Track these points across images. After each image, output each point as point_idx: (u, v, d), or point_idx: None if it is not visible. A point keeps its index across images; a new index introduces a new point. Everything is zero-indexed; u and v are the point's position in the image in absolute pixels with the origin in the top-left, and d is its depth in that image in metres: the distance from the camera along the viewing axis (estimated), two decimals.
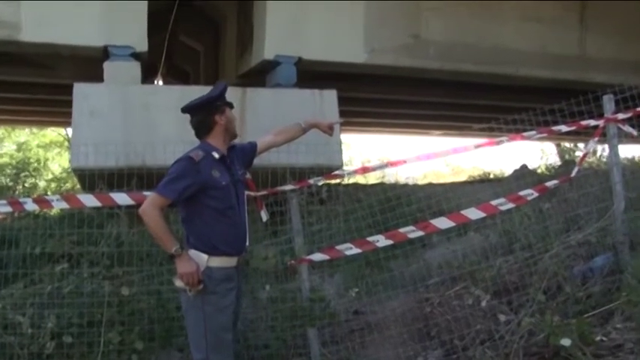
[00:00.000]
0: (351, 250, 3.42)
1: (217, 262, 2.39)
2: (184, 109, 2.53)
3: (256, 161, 5.31)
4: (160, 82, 8.94)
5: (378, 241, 3.38)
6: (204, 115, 2.51)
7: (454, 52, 7.19)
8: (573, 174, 3.49)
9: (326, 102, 6.12)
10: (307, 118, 2.94)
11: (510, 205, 3.33)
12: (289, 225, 3.82)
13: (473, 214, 3.34)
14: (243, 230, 2.52)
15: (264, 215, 3.66)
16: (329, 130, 2.90)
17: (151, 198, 2.34)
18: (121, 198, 3.28)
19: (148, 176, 3.85)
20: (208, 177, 2.41)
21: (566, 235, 3.71)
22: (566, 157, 8.61)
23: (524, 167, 7.24)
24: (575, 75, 7.68)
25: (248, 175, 3.55)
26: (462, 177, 14.26)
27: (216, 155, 2.47)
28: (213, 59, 8.80)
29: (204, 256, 2.36)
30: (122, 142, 4.92)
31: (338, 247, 3.48)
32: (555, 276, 3.34)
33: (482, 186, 6.79)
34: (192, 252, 2.34)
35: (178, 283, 2.33)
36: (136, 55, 5.71)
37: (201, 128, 2.51)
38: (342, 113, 6.40)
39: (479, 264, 3.78)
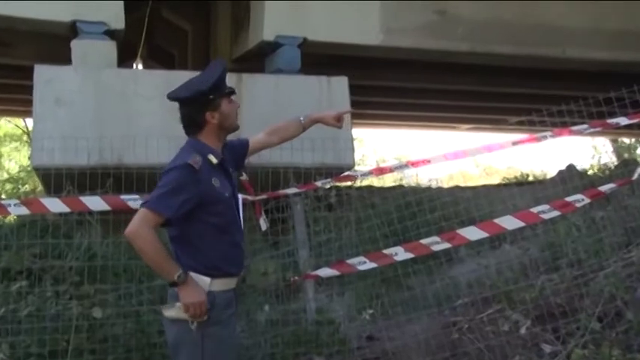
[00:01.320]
0: (364, 264, 3.41)
1: (220, 284, 2.29)
2: (172, 96, 2.41)
3: (254, 160, 5.31)
4: (140, 66, 8.95)
5: (396, 254, 3.37)
6: (193, 111, 2.38)
7: (487, 32, 7.17)
8: (635, 176, 3.42)
9: (335, 91, 6.11)
10: (309, 112, 2.85)
11: (555, 213, 3.30)
12: (292, 235, 3.81)
13: (509, 223, 3.31)
14: (243, 244, 2.46)
15: (263, 223, 3.65)
16: (337, 122, 2.83)
17: (141, 216, 2.17)
18: (94, 202, 3.27)
19: (126, 176, 3.85)
20: (209, 188, 2.31)
21: (625, 250, 3.66)
22: (625, 155, 8.49)
23: (571, 168, 7.10)
24: (636, 56, 7.47)
25: (245, 177, 3.53)
26: (496, 179, 14.22)
27: (213, 160, 2.37)
28: (203, 40, 8.82)
29: (207, 280, 2.25)
30: (95, 136, 4.91)
31: (349, 261, 3.46)
32: (613, 299, 3.28)
33: (520, 190, 6.72)
34: (191, 275, 2.24)
35: (174, 313, 2.20)
36: (110, 33, 5.68)
37: (189, 125, 2.41)
38: (354, 104, 6.40)
39: (516, 283, 3.75)
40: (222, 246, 2.33)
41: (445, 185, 8.69)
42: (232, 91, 2.48)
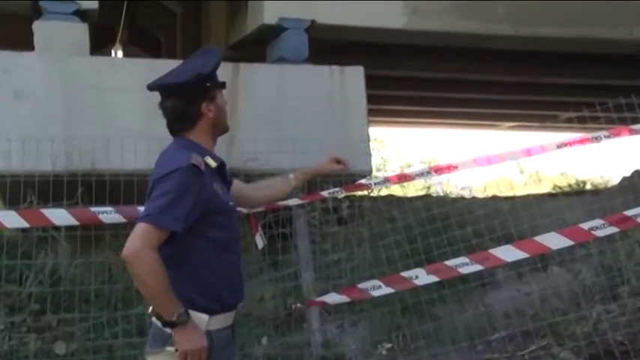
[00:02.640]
0: (378, 289, 3.40)
1: (219, 322, 2.20)
2: (153, 86, 2.31)
3: (250, 165, 5.35)
4: (119, 53, 9.01)
5: (416, 277, 3.36)
6: (187, 101, 2.27)
7: (534, 11, 7.12)
8: None
9: (348, 83, 6.11)
10: (302, 168, 2.76)
11: (612, 230, 3.24)
12: (294, 254, 3.81)
13: (553, 241, 3.27)
14: (242, 268, 2.38)
15: (260, 240, 3.64)
16: (337, 164, 2.78)
17: (141, 233, 2.06)
18: (58, 216, 3.26)
19: (98, 185, 3.87)
20: (213, 195, 2.23)
21: None
22: None
23: (636, 175, 6.89)
24: None
25: None
26: (544, 188, 14.09)
27: (212, 163, 2.28)
28: (194, 23, 8.88)
29: (204, 317, 2.15)
30: (62, 137, 4.88)
31: (361, 285, 3.45)
32: None
33: (572, 201, 6.68)
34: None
35: (162, 359, 2.11)
36: (81, 14, 5.66)
37: (179, 119, 2.28)
38: (371, 98, 6.39)
39: (565, 314, 3.71)
40: (224, 269, 2.24)
41: (480, 195, 8.64)
42: (224, 84, 2.42)
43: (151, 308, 2.17)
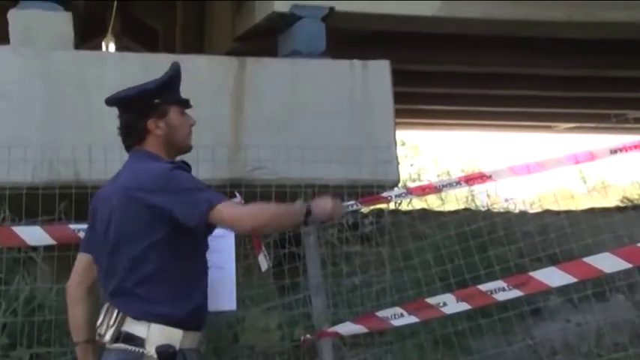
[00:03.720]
0: (401, 318, 3.41)
1: (191, 340, 2.45)
2: (109, 100, 2.61)
3: (257, 175, 5.38)
4: (111, 46, 9.11)
5: (444, 304, 3.37)
6: (133, 116, 2.57)
7: None
8: None
9: (372, 80, 6.12)
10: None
11: None
12: (303, 277, 3.84)
13: (607, 263, 3.26)
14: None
15: (264, 261, 3.70)
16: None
17: (227, 210, 2.40)
18: (35, 235, 3.32)
19: (79, 198, 3.94)
20: None
21: None
22: None
23: None
24: None
25: (238, 197, 3.61)
26: (611, 199, 13.86)
27: None
28: (196, 12, 8.97)
29: (178, 332, 2.40)
30: (42, 144, 4.93)
31: (381, 314, 3.47)
32: None
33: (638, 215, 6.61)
34: (156, 327, 2.38)
35: None
36: (65, 2, 5.70)
37: (129, 134, 2.58)
38: (399, 96, 6.40)
39: (625, 349, 3.69)
40: (200, 282, 2.52)
41: (533, 208, 8.56)
42: (187, 103, 2.66)
43: (110, 335, 2.39)
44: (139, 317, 2.40)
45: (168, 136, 2.58)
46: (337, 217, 2.63)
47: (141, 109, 2.55)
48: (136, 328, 2.39)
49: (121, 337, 2.39)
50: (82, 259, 2.62)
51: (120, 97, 2.58)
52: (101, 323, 2.47)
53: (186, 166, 2.57)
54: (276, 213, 2.46)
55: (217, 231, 2.70)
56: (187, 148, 2.66)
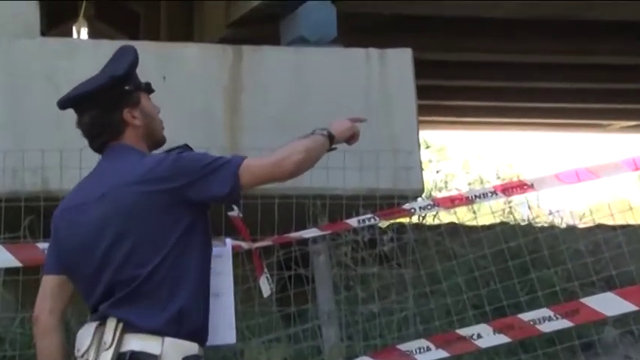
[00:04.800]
0: (427, 352, 3.42)
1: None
2: (63, 101, 2.63)
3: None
4: (83, 33, 9.15)
5: (479, 335, 3.37)
6: (102, 112, 2.60)
7: None
8: None
9: (392, 71, 6.13)
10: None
11: None
12: (312, 303, 3.86)
13: None
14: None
15: (267, 286, 3.72)
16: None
17: (255, 163, 2.54)
18: None
19: (48, 212, 3.95)
20: None
21: None
22: None
23: None
24: None
25: (236, 211, 3.64)
26: None
27: None
28: None
29: (192, 346, 2.49)
30: (3, 148, 4.95)
31: (403, 347, 3.48)
32: None
33: None
34: (170, 341, 2.43)
35: None
36: None
37: (100, 133, 2.61)
38: (423, 91, 6.41)
39: None
40: (206, 290, 2.61)
41: (582, 222, 8.54)
42: (150, 87, 2.71)
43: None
44: (154, 329, 2.43)
45: (147, 126, 2.65)
46: (358, 137, 2.73)
47: (112, 101, 2.59)
48: (146, 343, 2.42)
49: (127, 358, 2.40)
50: (51, 282, 2.63)
51: (79, 93, 2.60)
52: (88, 349, 2.46)
53: (189, 149, 2.64)
54: (308, 145, 2.56)
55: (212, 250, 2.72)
56: (163, 139, 2.73)
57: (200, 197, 2.49)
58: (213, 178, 2.48)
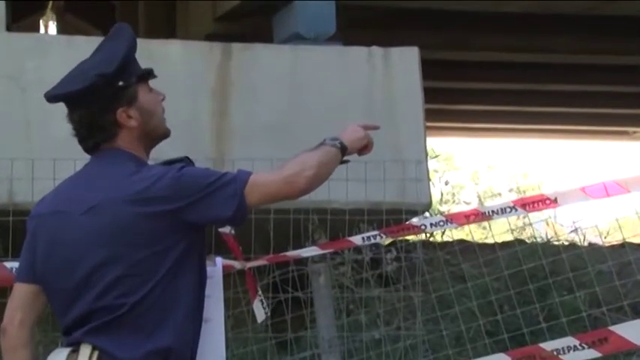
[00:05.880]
0: None
1: None
2: (50, 97, 2.56)
3: None
4: (51, 27, 9.14)
5: None
6: (92, 112, 2.55)
7: None
8: None
9: (396, 72, 6.16)
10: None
11: None
12: (312, 330, 3.87)
13: None
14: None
15: (261, 310, 3.73)
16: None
17: (268, 177, 2.53)
18: None
19: (17, 227, 3.96)
20: None
21: None
22: None
23: None
24: None
25: (227, 228, 3.65)
26: None
27: None
28: None
29: None
30: None
31: None
32: None
33: None
34: None
35: None
36: None
37: (90, 135, 2.55)
38: (431, 93, 6.43)
39: None
40: (198, 319, 2.61)
41: (606, 240, 8.56)
42: (150, 73, 2.63)
43: None
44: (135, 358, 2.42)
45: (145, 125, 2.57)
46: (371, 147, 2.69)
47: (104, 100, 2.52)
48: None
49: None
50: (23, 291, 2.59)
51: (66, 92, 2.54)
52: None
53: (190, 162, 2.60)
54: (320, 159, 2.52)
55: None
56: (166, 133, 2.66)
57: (202, 219, 2.47)
58: (217, 199, 2.44)
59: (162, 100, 2.64)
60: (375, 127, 2.86)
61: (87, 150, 2.58)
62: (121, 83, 2.52)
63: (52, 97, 2.56)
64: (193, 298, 2.54)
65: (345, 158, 2.62)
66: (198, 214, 2.44)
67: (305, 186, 2.46)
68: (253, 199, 2.42)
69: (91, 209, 2.48)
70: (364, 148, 2.69)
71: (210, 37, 6.78)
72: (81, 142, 2.56)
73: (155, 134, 2.61)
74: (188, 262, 2.52)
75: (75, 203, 2.52)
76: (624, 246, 6.10)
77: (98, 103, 2.51)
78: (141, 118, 2.54)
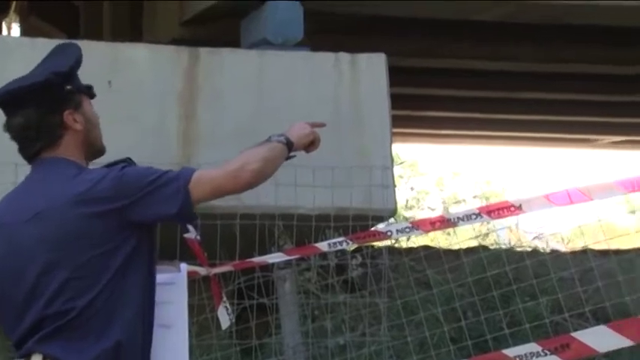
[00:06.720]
0: None
1: None
2: (1, 92, 2.56)
3: (218, 203, 5.35)
4: (14, 29, 9.05)
5: None
6: (40, 112, 2.54)
7: None
8: None
9: (364, 78, 6.15)
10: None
11: None
12: (278, 336, 3.86)
13: None
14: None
15: (226, 315, 3.71)
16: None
17: (210, 175, 2.54)
18: None
19: None
20: None
21: None
22: None
23: None
24: None
25: (192, 232, 3.64)
26: None
27: None
28: None
29: None
30: None
31: None
32: None
33: None
34: None
35: None
36: None
37: (35, 138, 2.54)
38: (398, 100, 6.44)
39: None
40: (148, 325, 2.59)
41: (567, 247, 8.63)
42: (92, 91, 2.67)
43: None
44: None
45: (87, 133, 2.60)
46: (318, 144, 2.73)
47: (52, 100, 2.53)
48: None
49: None
50: None
51: (13, 88, 2.55)
52: None
53: (132, 163, 2.59)
54: (265, 154, 2.56)
55: (162, 277, 2.71)
56: (102, 150, 2.68)
57: (146, 218, 2.47)
58: (160, 196, 2.45)
59: (98, 118, 2.67)
60: (321, 125, 2.89)
61: (29, 157, 2.57)
62: (69, 87, 2.55)
63: (1, 94, 2.56)
64: (143, 298, 2.53)
65: (292, 154, 2.66)
66: (142, 212, 2.44)
67: (250, 179, 2.51)
68: (198, 194, 2.45)
69: (35, 216, 2.48)
70: (311, 145, 2.73)
71: (176, 42, 6.73)
72: (23, 148, 2.55)
73: (95, 147, 2.63)
74: (136, 262, 2.50)
75: (18, 214, 2.51)
76: (586, 252, 6.17)
77: (47, 103, 2.52)
78: (85, 124, 2.58)
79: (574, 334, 3.40)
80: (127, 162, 2.57)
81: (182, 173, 2.48)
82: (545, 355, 3.36)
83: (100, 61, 5.33)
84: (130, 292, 2.49)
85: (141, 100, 5.54)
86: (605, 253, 6.05)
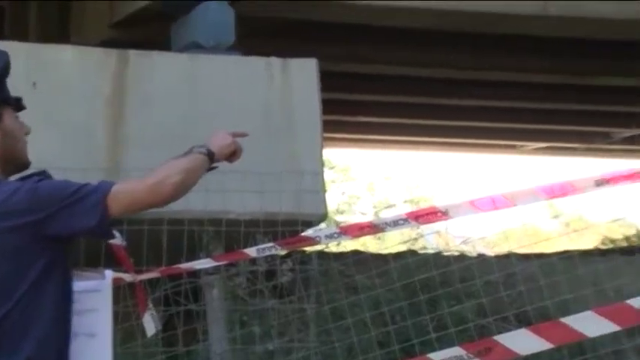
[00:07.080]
0: None
1: None
2: None
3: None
4: None
5: None
6: None
7: None
8: None
9: (295, 83, 6.16)
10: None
11: None
12: (204, 343, 3.83)
13: (590, 324, 3.34)
14: None
15: (151, 323, 3.67)
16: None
17: (126, 187, 2.48)
18: None
19: None
20: None
21: None
22: None
23: None
24: None
25: (118, 238, 3.60)
26: (590, 240, 14.33)
27: None
28: None
29: None
30: None
31: None
32: None
33: (633, 262, 6.86)
34: None
35: None
36: None
37: None
38: (330, 106, 6.45)
39: None
40: (67, 331, 2.53)
41: (493, 251, 8.74)
42: (21, 103, 2.61)
43: None
44: None
45: (7, 147, 2.53)
46: (240, 154, 2.72)
47: None
48: None
49: None
50: None
51: None
52: None
53: (48, 176, 2.53)
54: (186, 166, 2.53)
55: (86, 285, 2.67)
56: (27, 164, 2.61)
57: (63, 232, 2.40)
58: (77, 210, 2.39)
59: (27, 133, 2.60)
60: (243, 135, 2.88)
61: None
62: None
63: None
64: (58, 311, 2.47)
65: (214, 165, 2.64)
66: (59, 225, 2.38)
67: (171, 192, 2.46)
68: (116, 208, 2.39)
69: None
70: (233, 155, 2.71)
71: (105, 44, 6.65)
72: None
73: (16, 161, 2.56)
74: (52, 275, 2.45)
75: None
76: (509, 256, 6.27)
77: None
78: (4, 138, 2.51)
79: (496, 338, 3.41)
80: (43, 175, 2.51)
81: (100, 187, 2.42)
82: (469, 358, 3.38)
83: (25, 62, 5.22)
84: (46, 306, 2.44)
85: (67, 103, 5.45)
86: (528, 257, 6.17)
